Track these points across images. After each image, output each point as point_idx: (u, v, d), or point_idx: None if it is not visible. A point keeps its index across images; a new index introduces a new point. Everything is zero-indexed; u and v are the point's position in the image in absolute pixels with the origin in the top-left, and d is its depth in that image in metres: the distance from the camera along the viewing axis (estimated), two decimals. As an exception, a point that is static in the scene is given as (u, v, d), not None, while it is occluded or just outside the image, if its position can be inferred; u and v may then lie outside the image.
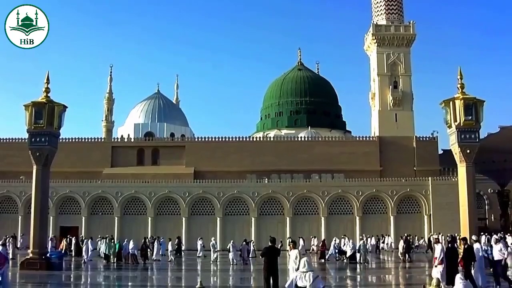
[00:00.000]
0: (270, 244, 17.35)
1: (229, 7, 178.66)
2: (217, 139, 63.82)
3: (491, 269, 19.64)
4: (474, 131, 28.79)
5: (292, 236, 49.71)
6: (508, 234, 45.54)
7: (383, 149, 62.45)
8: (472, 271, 18.06)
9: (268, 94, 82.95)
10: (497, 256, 19.24)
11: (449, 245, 19.59)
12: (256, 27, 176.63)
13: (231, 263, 33.77)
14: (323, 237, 47.00)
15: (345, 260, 35.87)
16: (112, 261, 35.05)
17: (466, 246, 18.77)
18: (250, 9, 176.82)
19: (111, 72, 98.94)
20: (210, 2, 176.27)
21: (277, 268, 16.57)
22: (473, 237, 21.02)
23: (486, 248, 32.27)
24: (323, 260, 37.17)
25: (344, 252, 37.03)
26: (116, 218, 53.39)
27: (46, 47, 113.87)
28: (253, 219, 53.31)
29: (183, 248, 46.10)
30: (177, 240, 44.45)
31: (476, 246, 18.87)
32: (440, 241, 20.92)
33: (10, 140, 61.63)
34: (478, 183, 42.45)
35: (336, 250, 38.52)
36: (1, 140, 62.64)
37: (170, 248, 41.42)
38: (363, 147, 63.04)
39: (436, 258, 18.51)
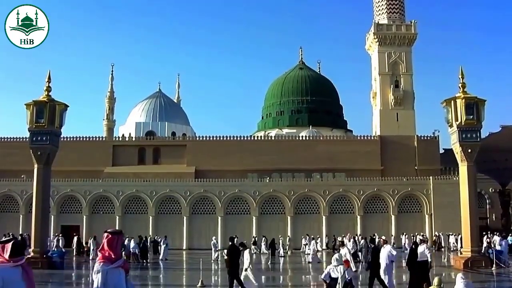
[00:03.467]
0: (230, 243, 18.17)
1: (230, 6, 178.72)
2: (218, 138, 63.84)
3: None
4: (475, 130, 28.84)
5: (294, 234, 49.87)
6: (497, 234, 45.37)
7: (384, 148, 62.42)
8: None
9: (270, 93, 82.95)
10: (420, 257, 18.71)
11: (372, 246, 19.10)
12: (257, 26, 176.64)
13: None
14: (324, 234, 47.13)
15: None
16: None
17: (372, 247, 18.54)
18: (251, 8, 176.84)
19: (112, 71, 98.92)
20: (212, 1, 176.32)
21: (238, 267, 17.56)
22: (383, 237, 20.62)
23: (487, 247, 32.28)
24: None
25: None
26: (117, 217, 53.40)
27: (47, 47, 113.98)
28: (254, 218, 53.30)
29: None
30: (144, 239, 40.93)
31: (387, 247, 18.47)
32: (346, 243, 20.16)
33: (11, 139, 61.62)
34: (479, 182, 42.35)
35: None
36: (2, 139, 62.63)
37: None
38: (364, 146, 63.01)
39: (345, 260, 17.28)
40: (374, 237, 42.23)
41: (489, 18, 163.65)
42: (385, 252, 17.94)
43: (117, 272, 6.38)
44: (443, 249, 49.08)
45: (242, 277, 17.30)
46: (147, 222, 53.16)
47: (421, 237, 19.41)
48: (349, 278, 14.49)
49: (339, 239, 20.07)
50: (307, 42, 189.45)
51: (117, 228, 51.28)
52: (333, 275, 14.67)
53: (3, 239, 6.57)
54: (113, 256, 6.38)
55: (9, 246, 6.11)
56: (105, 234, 6.62)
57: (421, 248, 18.90)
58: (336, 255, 15.40)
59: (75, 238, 43.36)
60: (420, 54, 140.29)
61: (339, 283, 14.50)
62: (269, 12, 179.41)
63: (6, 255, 6.08)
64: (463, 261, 27.60)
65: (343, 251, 17.51)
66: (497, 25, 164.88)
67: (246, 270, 17.38)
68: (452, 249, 47.39)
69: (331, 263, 16.29)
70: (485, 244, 35.80)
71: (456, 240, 47.44)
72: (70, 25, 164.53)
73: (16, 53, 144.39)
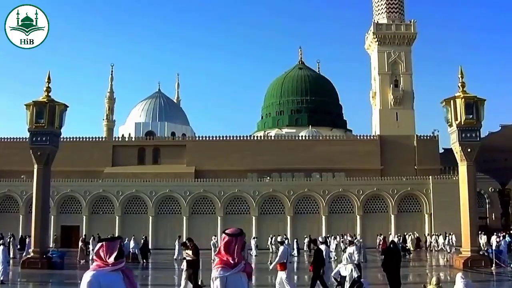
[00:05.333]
0: (193, 244, 18.44)
1: (230, 6, 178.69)
2: (218, 138, 63.84)
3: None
4: (475, 130, 28.87)
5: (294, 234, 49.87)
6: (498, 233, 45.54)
7: (384, 148, 62.44)
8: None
9: (269, 93, 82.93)
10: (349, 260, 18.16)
11: (314, 247, 18.83)
12: (257, 26, 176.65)
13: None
14: (323, 234, 47.09)
15: (407, 257, 38.30)
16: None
17: (316, 249, 18.23)
18: (251, 8, 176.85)
19: (112, 71, 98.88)
20: (211, 1, 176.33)
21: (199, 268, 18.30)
22: (320, 239, 20.22)
23: (487, 248, 32.34)
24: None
25: (407, 249, 40.20)
26: (117, 217, 53.41)
27: (47, 47, 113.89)
28: (254, 218, 53.33)
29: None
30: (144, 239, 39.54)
31: (322, 248, 17.99)
32: (286, 242, 19.50)
33: (11, 140, 61.63)
34: (479, 182, 42.40)
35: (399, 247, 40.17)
36: (2, 139, 62.65)
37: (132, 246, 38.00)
38: (364, 146, 63.03)
39: (279, 263, 16.30)
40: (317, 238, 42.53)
41: (488, 17, 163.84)
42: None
43: (238, 278, 5.58)
44: (427, 249, 49.26)
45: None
46: (147, 222, 53.17)
47: (350, 239, 18.60)
48: (357, 276, 14.82)
49: (279, 239, 19.26)
50: (307, 42, 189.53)
51: (117, 228, 51.41)
52: (342, 274, 15.21)
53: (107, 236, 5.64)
54: (231, 261, 5.54)
55: (114, 246, 5.12)
56: (222, 236, 5.69)
57: (350, 250, 18.29)
58: (346, 255, 15.84)
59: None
60: (419, 54, 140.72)
61: (347, 281, 14.87)
62: (268, 12, 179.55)
63: (108, 258, 5.10)
64: (463, 260, 27.62)
65: (281, 250, 16.49)
66: (496, 24, 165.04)
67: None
68: (431, 249, 47.61)
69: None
70: (494, 244, 35.95)
71: (436, 241, 47.88)
72: (69, 26, 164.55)
73: (16, 53, 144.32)
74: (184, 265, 17.99)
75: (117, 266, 5.12)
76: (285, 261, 15.87)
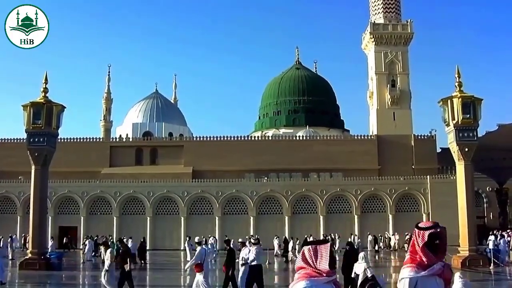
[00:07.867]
0: (122, 244, 18.84)
1: (227, 6, 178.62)
2: (215, 139, 63.84)
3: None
4: (472, 129, 28.94)
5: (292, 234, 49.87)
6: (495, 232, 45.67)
7: (382, 148, 62.51)
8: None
9: (266, 93, 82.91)
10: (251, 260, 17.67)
11: (228, 248, 18.56)
12: (254, 27, 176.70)
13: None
14: (321, 234, 47.12)
15: None
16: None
17: (228, 249, 17.99)
18: (248, 8, 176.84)
19: (109, 72, 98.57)
20: (208, 1, 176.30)
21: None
22: (240, 240, 19.98)
23: (488, 247, 32.32)
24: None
25: None
26: (114, 218, 53.34)
27: (45, 47, 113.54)
28: (251, 218, 53.31)
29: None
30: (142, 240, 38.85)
31: (244, 250, 17.50)
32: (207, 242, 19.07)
33: (9, 140, 61.58)
34: (477, 181, 42.43)
35: None
36: (0, 140, 62.56)
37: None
38: (362, 146, 63.10)
39: (195, 265, 16.12)
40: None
41: (485, 17, 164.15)
42: (242, 254, 17.58)
43: (433, 282, 4.57)
44: (386, 248, 49.63)
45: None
46: (144, 223, 53.09)
47: (254, 240, 18.14)
48: (370, 275, 15.05)
49: (197, 239, 18.87)
50: (304, 42, 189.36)
51: (114, 229, 51.29)
52: (357, 272, 15.45)
53: (313, 239, 4.51)
54: (424, 260, 4.55)
55: (325, 250, 4.15)
56: (416, 231, 4.67)
57: (254, 250, 17.76)
58: (362, 253, 16.05)
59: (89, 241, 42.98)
60: (416, 54, 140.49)
61: (359, 279, 15.26)
62: (265, 12, 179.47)
63: (320, 265, 4.12)
64: (461, 260, 27.66)
65: (197, 250, 16.35)
66: (493, 24, 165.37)
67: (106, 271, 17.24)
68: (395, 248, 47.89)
69: None
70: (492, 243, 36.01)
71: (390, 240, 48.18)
72: (67, 26, 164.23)
73: (13, 54, 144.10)
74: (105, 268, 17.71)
75: (332, 277, 4.18)
76: (200, 262, 15.85)
